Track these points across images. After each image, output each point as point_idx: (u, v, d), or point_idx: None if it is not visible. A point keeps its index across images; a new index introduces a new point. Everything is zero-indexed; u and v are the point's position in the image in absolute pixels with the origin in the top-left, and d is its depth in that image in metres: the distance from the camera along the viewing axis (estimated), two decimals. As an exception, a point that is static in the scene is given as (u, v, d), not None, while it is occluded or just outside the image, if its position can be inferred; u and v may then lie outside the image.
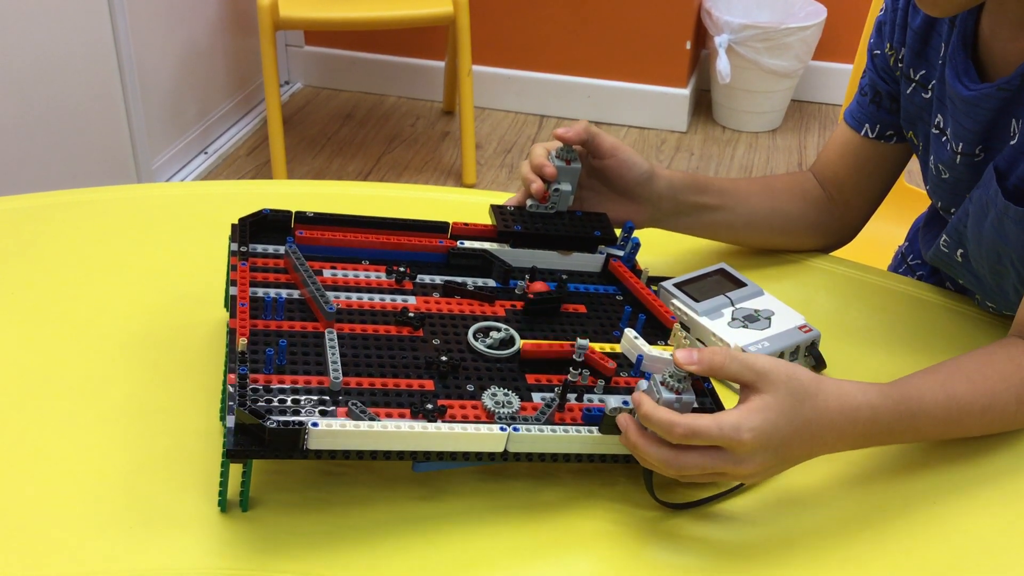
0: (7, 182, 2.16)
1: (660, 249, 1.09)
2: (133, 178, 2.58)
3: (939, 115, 1.00)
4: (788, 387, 0.73)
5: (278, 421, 0.70)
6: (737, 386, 0.76)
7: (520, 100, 3.21)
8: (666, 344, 0.88)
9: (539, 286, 0.91)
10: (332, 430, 0.71)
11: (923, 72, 1.02)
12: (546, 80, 3.17)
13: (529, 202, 0.98)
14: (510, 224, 0.96)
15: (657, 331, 0.90)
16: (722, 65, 2.95)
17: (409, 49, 3.24)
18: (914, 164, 1.13)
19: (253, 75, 3.12)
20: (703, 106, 3.27)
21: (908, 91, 1.04)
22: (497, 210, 0.98)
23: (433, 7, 2.61)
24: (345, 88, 3.33)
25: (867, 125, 1.10)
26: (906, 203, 1.50)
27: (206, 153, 2.90)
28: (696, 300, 0.96)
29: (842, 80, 3.19)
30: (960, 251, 1.01)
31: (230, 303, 0.83)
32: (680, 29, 3.03)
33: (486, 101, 3.21)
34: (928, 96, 1.02)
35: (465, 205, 1.21)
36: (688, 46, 3.04)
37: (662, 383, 0.73)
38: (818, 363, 0.94)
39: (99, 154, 2.46)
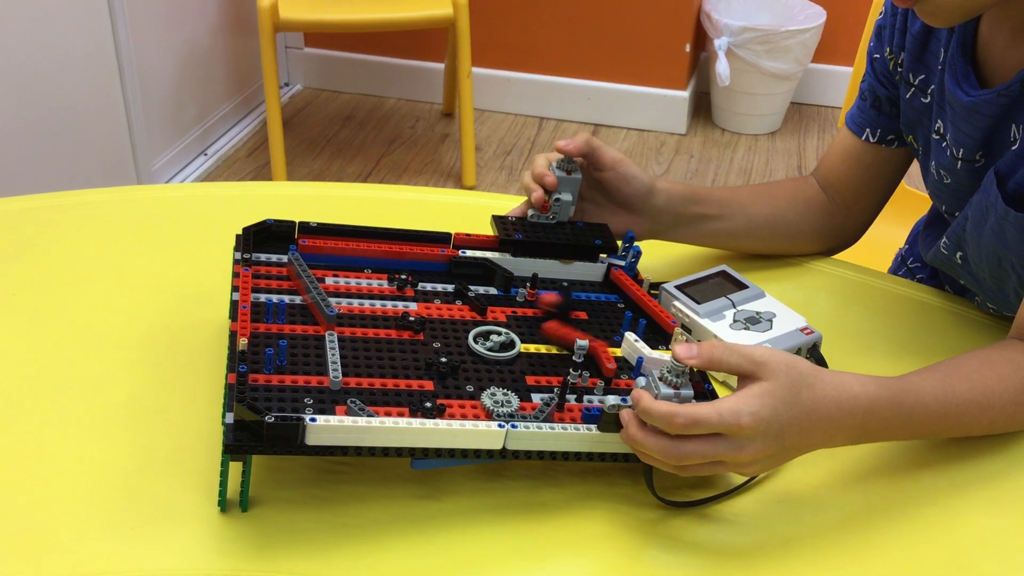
0: (7, 183, 2.16)
1: (660, 254, 1.09)
2: (133, 179, 2.58)
3: (939, 120, 1.00)
4: (787, 375, 0.74)
5: (276, 416, 0.70)
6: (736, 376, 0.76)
7: (520, 102, 3.22)
8: (667, 348, 0.88)
9: (551, 297, 0.91)
10: (330, 425, 0.71)
11: (922, 77, 1.02)
12: (545, 82, 3.17)
13: (530, 212, 0.99)
14: (511, 233, 0.96)
15: (658, 336, 0.90)
16: (721, 68, 2.95)
17: (409, 51, 3.24)
18: (914, 166, 1.13)
19: (253, 76, 3.12)
20: (702, 108, 3.27)
21: (907, 96, 1.04)
22: (498, 220, 0.98)
23: (433, 9, 2.61)
24: (345, 90, 3.33)
25: (868, 130, 1.10)
26: (906, 206, 1.50)
27: (206, 154, 2.91)
28: (697, 302, 0.96)
29: (841, 83, 3.19)
30: (959, 254, 1.01)
31: (232, 307, 0.83)
32: (679, 32, 3.03)
33: (486, 103, 3.22)
34: (927, 101, 1.02)
35: (465, 207, 1.21)
36: (687, 49, 3.05)
37: (660, 379, 0.74)
38: (819, 365, 0.94)
39: (99, 155, 2.47)
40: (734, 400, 0.72)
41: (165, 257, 1.06)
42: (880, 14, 1.07)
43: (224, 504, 0.75)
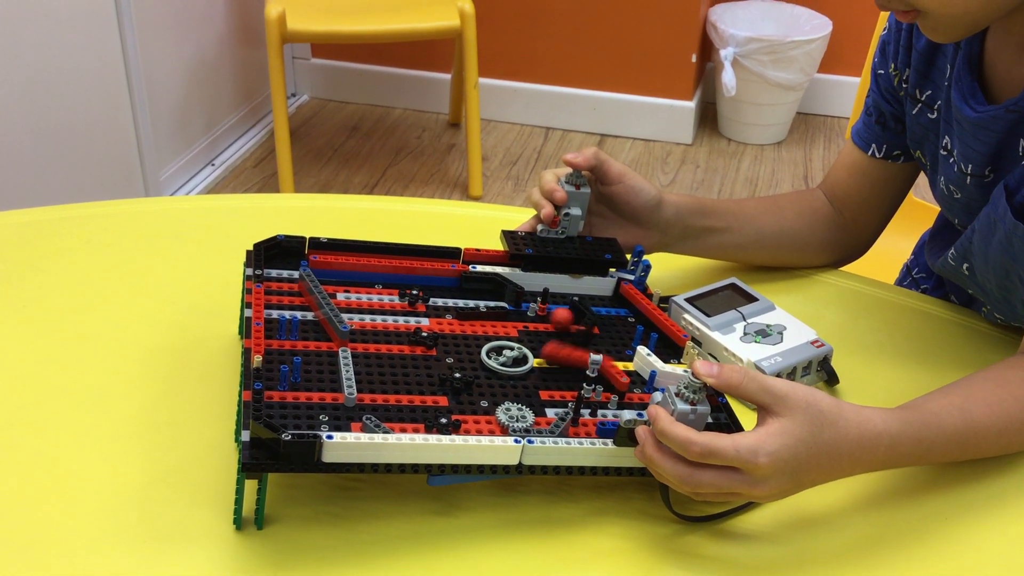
0: (17, 195, 2.17)
1: (670, 267, 1.10)
2: (140, 189, 2.58)
3: (946, 136, 1.00)
4: (807, 413, 0.73)
5: (293, 434, 0.70)
6: (753, 404, 0.76)
7: (526, 112, 3.22)
8: (679, 362, 0.88)
9: (564, 314, 0.91)
10: (347, 442, 0.71)
11: (929, 93, 1.02)
12: (552, 92, 3.18)
13: (540, 227, 0.99)
14: (521, 248, 0.97)
15: (669, 350, 0.90)
16: (727, 78, 2.96)
17: (415, 61, 3.25)
18: (922, 177, 1.13)
19: (260, 87, 3.13)
20: (708, 118, 3.28)
21: (914, 111, 1.04)
22: (508, 235, 0.99)
23: (440, 20, 2.62)
24: (351, 100, 3.34)
25: (874, 145, 1.10)
26: (912, 217, 1.50)
27: (213, 165, 2.91)
28: (708, 315, 0.97)
29: (848, 93, 3.20)
30: (966, 265, 1.02)
31: (245, 324, 0.83)
32: (686, 42, 3.04)
33: (492, 113, 3.22)
34: (934, 117, 1.02)
35: (473, 219, 1.21)
36: (694, 59, 3.05)
37: (677, 394, 0.74)
38: (830, 378, 0.94)
39: (107, 166, 2.47)
40: (754, 437, 0.72)
41: (175, 270, 1.07)
42: (884, 30, 1.07)
43: (239, 522, 0.75)
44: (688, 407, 0.73)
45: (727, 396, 0.84)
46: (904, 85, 1.05)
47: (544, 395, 0.82)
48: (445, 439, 0.74)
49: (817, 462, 0.74)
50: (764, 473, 0.72)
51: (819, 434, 0.73)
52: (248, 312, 0.83)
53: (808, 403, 0.74)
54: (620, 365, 0.87)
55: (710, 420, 0.77)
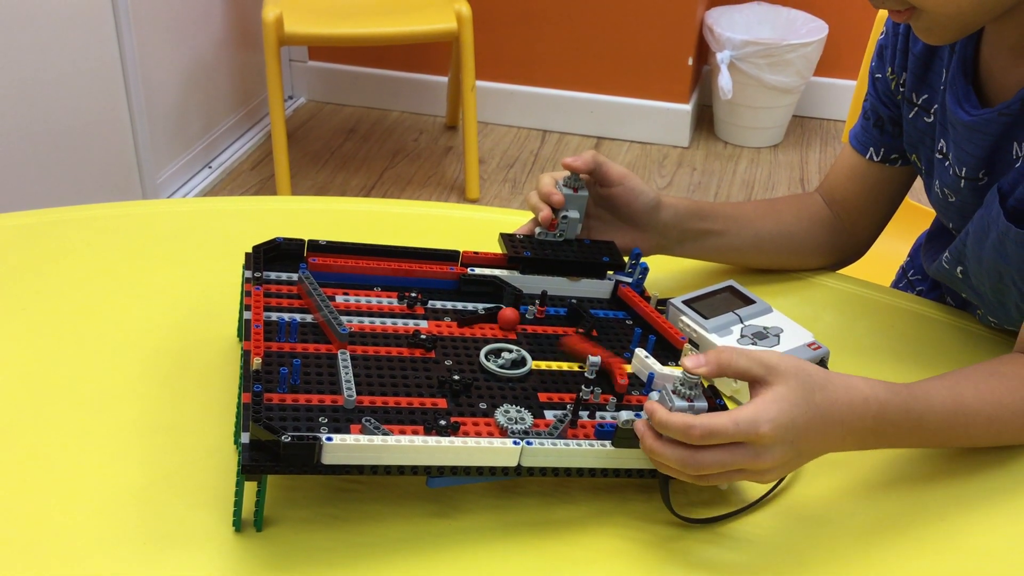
0: (14, 197, 2.17)
1: (667, 269, 1.10)
2: (138, 192, 2.59)
3: (941, 140, 1.01)
4: (798, 378, 0.75)
5: (293, 436, 0.70)
6: (746, 401, 0.76)
7: (523, 115, 3.23)
8: (678, 365, 0.89)
9: (510, 314, 0.91)
10: (346, 444, 0.71)
11: (925, 96, 1.02)
12: (549, 95, 3.18)
13: (538, 230, 0.99)
14: (519, 251, 0.97)
15: (667, 353, 0.91)
16: (724, 81, 2.96)
17: (412, 64, 3.25)
18: (918, 180, 1.13)
19: (257, 90, 3.13)
20: (705, 122, 3.28)
21: (911, 115, 1.05)
22: (506, 238, 0.99)
23: (437, 23, 2.62)
24: (348, 103, 3.34)
25: (871, 149, 1.10)
26: (909, 219, 1.50)
27: (210, 167, 2.91)
28: (705, 317, 0.97)
29: (844, 96, 3.21)
30: (960, 268, 1.02)
31: (244, 326, 0.83)
32: (682, 45, 3.04)
33: (489, 116, 3.23)
34: (930, 120, 1.02)
35: (470, 222, 1.22)
36: (690, 62, 3.06)
37: (673, 392, 0.74)
38: (827, 381, 0.95)
39: (104, 168, 2.48)
40: (751, 408, 0.73)
41: (173, 273, 1.07)
42: (881, 34, 1.07)
43: (239, 524, 0.76)
44: (685, 403, 0.73)
45: (723, 397, 0.84)
46: (901, 89, 1.05)
47: (543, 397, 0.83)
48: (444, 441, 0.74)
49: (813, 425, 0.75)
50: (767, 442, 0.73)
51: (811, 397, 0.75)
52: (247, 314, 0.83)
53: (798, 369, 0.75)
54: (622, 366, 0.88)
55: None
